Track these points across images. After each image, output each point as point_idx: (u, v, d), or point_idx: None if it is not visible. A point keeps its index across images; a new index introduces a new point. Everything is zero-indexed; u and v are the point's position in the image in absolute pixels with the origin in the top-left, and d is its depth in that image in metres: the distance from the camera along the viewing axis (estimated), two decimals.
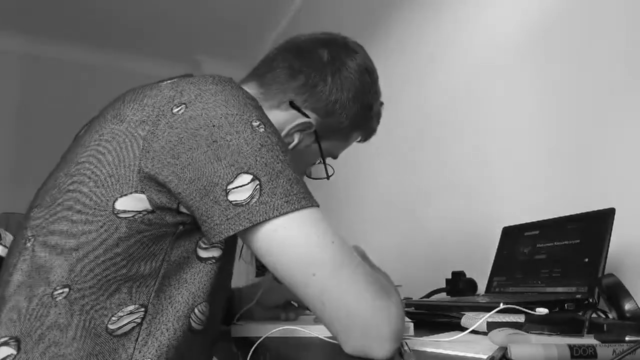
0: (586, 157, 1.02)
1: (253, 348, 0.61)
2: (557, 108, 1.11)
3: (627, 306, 0.63)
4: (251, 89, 0.74)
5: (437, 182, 1.53)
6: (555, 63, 1.12)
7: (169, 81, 0.59)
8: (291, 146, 0.74)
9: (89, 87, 3.11)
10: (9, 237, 0.78)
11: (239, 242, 0.61)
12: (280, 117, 0.72)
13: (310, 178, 0.85)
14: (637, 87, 0.92)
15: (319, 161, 0.82)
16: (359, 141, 0.85)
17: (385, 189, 1.84)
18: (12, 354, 0.51)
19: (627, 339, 0.52)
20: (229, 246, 0.60)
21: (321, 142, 0.76)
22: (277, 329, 0.67)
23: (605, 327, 0.60)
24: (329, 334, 0.59)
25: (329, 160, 0.82)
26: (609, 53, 0.99)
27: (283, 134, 0.72)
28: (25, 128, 3.02)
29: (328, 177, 0.81)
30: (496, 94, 1.30)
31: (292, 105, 0.73)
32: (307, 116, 0.73)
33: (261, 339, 0.62)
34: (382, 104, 0.84)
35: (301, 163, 0.78)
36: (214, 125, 0.51)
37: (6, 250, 0.72)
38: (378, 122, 0.85)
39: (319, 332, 0.64)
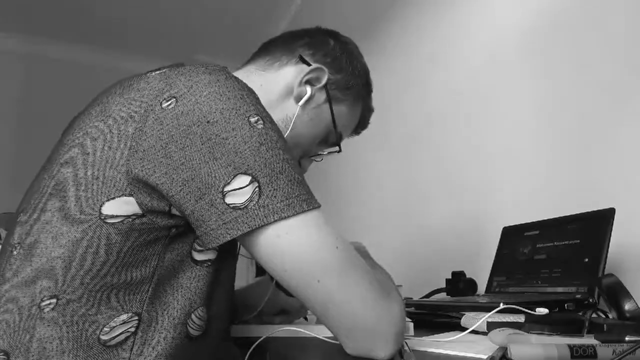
0: (586, 157, 1.02)
1: (252, 348, 0.61)
2: (557, 108, 1.11)
3: (627, 306, 0.63)
4: (256, 63, 0.75)
5: (437, 182, 1.53)
6: (555, 63, 1.12)
7: (157, 72, 0.55)
8: (304, 99, 0.72)
9: (89, 87, 3.09)
10: None
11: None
12: (291, 72, 0.73)
13: (317, 157, 0.82)
14: (637, 87, 0.92)
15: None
16: (358, 128, 0.84)
17: (385, 188, 1.84)
18: None
19: (627, 339, 0.52)
20: (227, 247, 0.57)
21: (332, 102, 0.75)
22: (277, 329, 0.67)
23: (605, 327, 0.60)
24: (329, 334, 0.59)
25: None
26: (610, 53, 0.99)
27: (296, 84, 0.72)
28: (26, 128, 3.02)
29: (340, 149, 0.80)
30: (496, 94, 1.30)
31: (301, 59, 0.73)
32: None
33: (261, 339, 0.62)
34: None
35: (310, 130, 0.76)
36: (208, 122, 0.48)
37: None
38: (371, 108, 0.85)
39: (318, 332, 0.64)
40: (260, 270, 2.64)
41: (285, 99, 0.73)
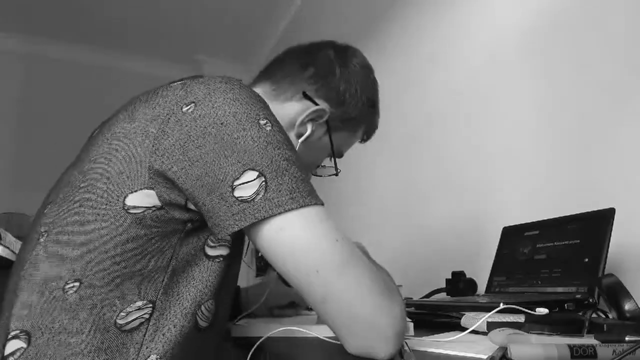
0: (586, 157, 1.02)
1: (253, 348, 0.61)
2: (557, 108, 1.11)
3: (627, 306, 0.63)
4: (263, 87, 0.77)
5: (437, 182, 1.53)
6: (556, 63, 1.12)
7: (179, 82, 0.61)
8: (304, 137, 0.76)
9: (89, 88, 3.11)
10: (9, 237, 0.78)
11: (246, 241, 0.62)
12: (294, 108, 0.75)
13: (317, 175, 0.87)
14: (637, 87, 0.92)
15: (325, 163, 0.84)
16: (362, 141, 0.87)
17: (385, 188, 1.84)
18: (22, 347, 0.51)
19: (627, 339, 0.52)
20: (237, 245, 0.61)
21: (332, 133, 0.78)
22: (277, 329, 0.67)
23: (605, 327, 0.60)
24: (329, 334, 0.59)
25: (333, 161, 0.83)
26: (610, 53, 0.99)
27: (297, 123, 0.75)
28: (26, 128, 3.02)
29: (337, 173, 0.84)
30: (496, 94, 1.30)
31: (305, 95, 0.75)
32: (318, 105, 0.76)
33: (261, 339, 0.62)
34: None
35: (311, 159, 0.80)
36: (222, 124, 0.53)
37: (7, 250, 0.73)
38: (377, 120, 0.87)
39: (319, 332, 0.64)
40: (260, 271, 2.65)
41: (288, 131, 0.76)
